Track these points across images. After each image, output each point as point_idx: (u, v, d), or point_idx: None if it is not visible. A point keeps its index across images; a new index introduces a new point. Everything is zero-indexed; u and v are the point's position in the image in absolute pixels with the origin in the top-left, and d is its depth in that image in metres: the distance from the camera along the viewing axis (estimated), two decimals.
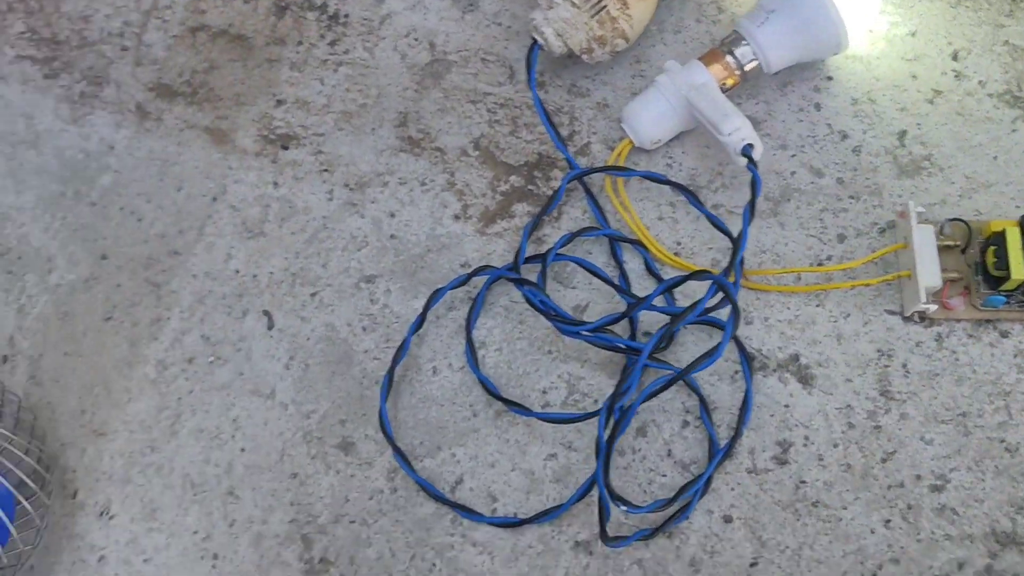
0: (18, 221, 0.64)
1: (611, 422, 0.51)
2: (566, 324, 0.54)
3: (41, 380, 0.61)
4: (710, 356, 0.47)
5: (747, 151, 0.54)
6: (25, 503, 0.52)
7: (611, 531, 0.52)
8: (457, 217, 0.62)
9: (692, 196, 0.57)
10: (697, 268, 0.58)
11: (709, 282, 0.54)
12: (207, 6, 0.68)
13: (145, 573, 0.56)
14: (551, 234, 0.61)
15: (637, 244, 0.59)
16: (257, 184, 0.64)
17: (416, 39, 0.66)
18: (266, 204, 0.63)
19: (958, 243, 0.56)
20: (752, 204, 0.52)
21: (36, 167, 0.65)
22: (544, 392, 0.58)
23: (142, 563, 0.57)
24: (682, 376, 0.48)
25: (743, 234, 0.51)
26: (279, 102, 0.66)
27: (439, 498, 0.56)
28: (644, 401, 0.48)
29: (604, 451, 0.48)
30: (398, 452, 0.57)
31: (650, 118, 0.59)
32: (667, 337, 0.51)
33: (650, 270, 0.59)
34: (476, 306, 0.59)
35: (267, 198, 0.63)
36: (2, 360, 0.62)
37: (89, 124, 0.66)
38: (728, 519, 0.54)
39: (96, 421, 0.60)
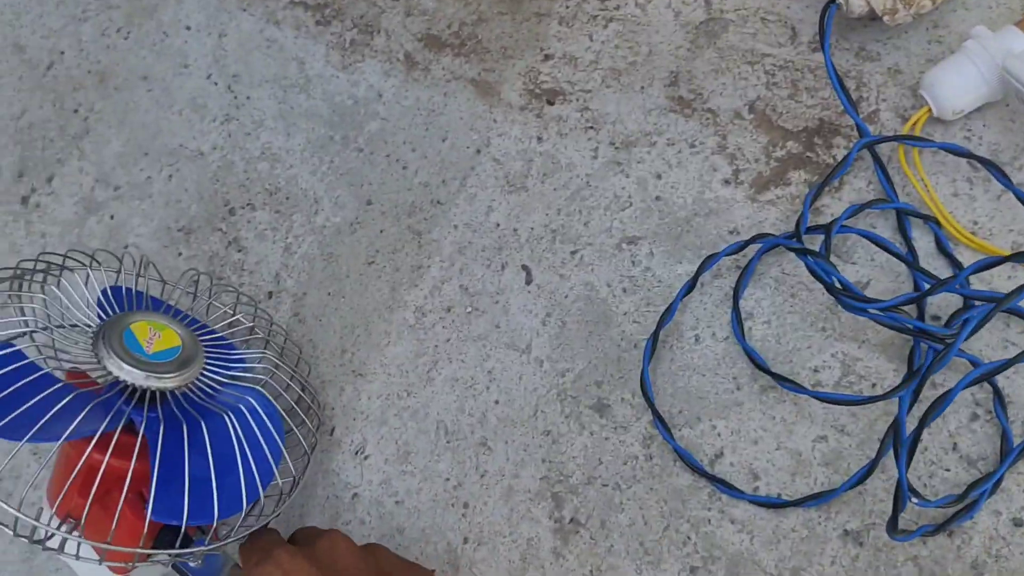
0: (287, 163, 0.66)
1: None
2: (854, 300, 0.51)
3: (304, 318, 0.63)
4: None
5: None
6: (295, 429, 0.54)
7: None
8: (727, 182, 0.59)
9: (1000, 172, 0.52)
10: (1003, 251, 0.53)
11: (1013, 268, 0.50)
12: None
13: (396, 515, 0.57)
14: (829, 204, 0.57)
15: (930, 220, 0.55)
16: (521, 138, 0.63)
17: None
18: (529, 159, 0.63)
19: None
20: None
21: (306, 111, 0.67)
22: (815, 371, 0.55)
23: (394, 504, 0.57)
24: (1001, 370, 0.44)
25: None
26: (546, 57, 0.65)
27: (698, 470, 0.54)
28: (962, 390, 0.44)
29: (908, 440, 0.45)
30: (659, 418, 0.55)
31: (957, 86, 0.54)
32: (981, 324, 0.47)
33: (942, 249, 0.55)
34: (746, 275, 0.57)
35: (530, 153, 0.63)
36: (268, 296, 0.64)
37: (359, 71, 0.67)
38: (1018, 523, 0.50)
39: (355, 362, 0.61)
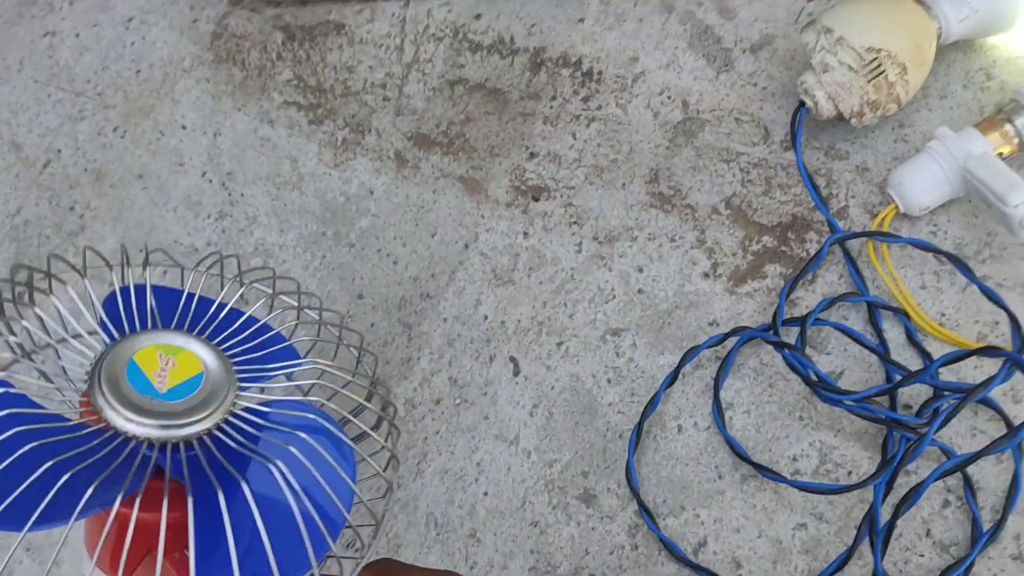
0: (280, 258, 0.68)
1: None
2: (829, 392, 0.53)
3: None
4: (1009, 440, 0.45)
5: None
6: (382, 445, 0.45)
7: None
8: (706, 275, 0.62)
9: (964, 267, 0.55)
10: (969, 342, 0.56)
11: (980, 359, 0.52)
12: (465, 61, 0.71)
13: None
14: (804, 297, 0.60)
15: (899, 313, 0.57)
16: (508, 233, 0.65)
17: (669, 97, 0.67)
18: (516, 253, 0.65)
19: None
20: None
21: (299, 207, 0.69)
22: (794, 459, 0.57)
23: None
24: (972, 461, 0.46)
25: None
26: (532, 155, 0.67)
27: (682, 559, 0.55)
28: (935, 481, 0.46)
29: (883, 529, 0.47)
30: (643, 508, 0.56)
31: (922, 184, 0.57)
32: (951, 415, 0.49)
33: (912, 340, 0.57)
34: (726, 366, 0.59)
35: (517, 247, 0.65)
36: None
37: (351, 169, 0.70)
38: None
39: None
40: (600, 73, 0.69)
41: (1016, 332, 0.51)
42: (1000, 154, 0.57)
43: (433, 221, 0.67)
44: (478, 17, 0.72)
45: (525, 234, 0.65)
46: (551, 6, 0.71)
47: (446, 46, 0.72)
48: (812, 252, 0.60)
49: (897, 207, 0.59)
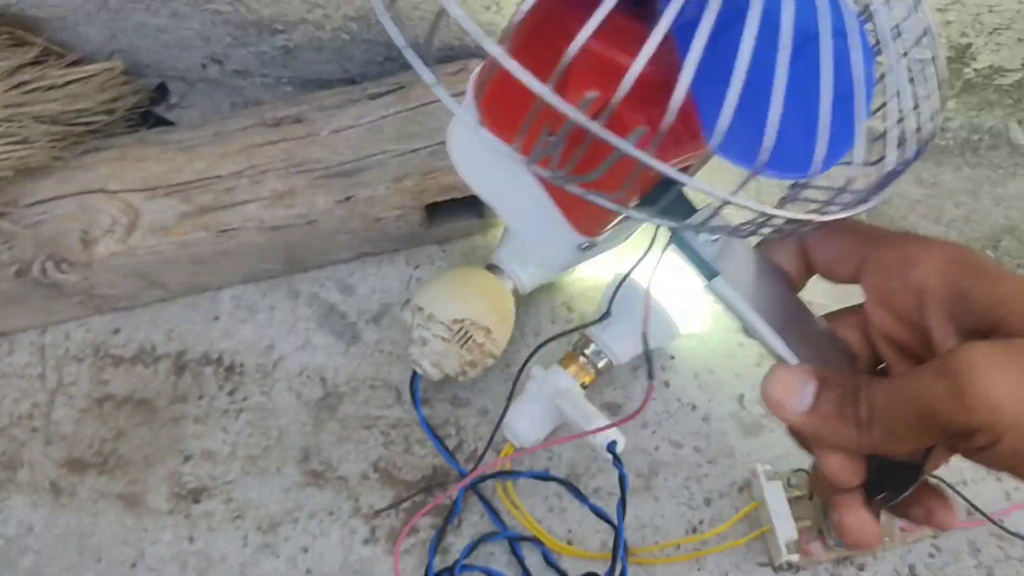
0: None
1: None
2: None
3: None
4: None
5: (612, 448, 0.62)
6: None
7: None
8: (366, 541, 0.67)
9: (574, 489, 0.64)
10: (595, 554, 0.64)
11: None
12: (110, 376, 0.74)
13: None
14: (455, 543, 0.66)
15: (535, 540, 0.65)
16: (173, 542, 0.68)
17: (308, 376, 0.73)
18: (183, 561, 0.67)
19: (805, 492, 0.64)
20: (623, 500, 0.59)
21: None
22: None
23: None
24: None
25: (619, 530, 0.57)
26: (186, 457, 0.71)
27: None
28: None
29: None
30: None
31: (528, 422, 0.66)
32: None
33: (548, 562, 0.64)
34: None
35: (184, 555, 0.67)
36: None
37: (7, 509, 0.70)
38: None
39: None
40: (242, 365, 0.74)
41: (615, 543, 0.59)
42: (583, 384, 0.67)
43: (96, 546, 0.68)
44: (116, 331, 0.76)
45: (191, 539, 0.68)
46: (186, 309, 0.76)
47: (89, 365, 0.75)
48: (455, 498, 0.67)
49: (514, 445, 0.67)
